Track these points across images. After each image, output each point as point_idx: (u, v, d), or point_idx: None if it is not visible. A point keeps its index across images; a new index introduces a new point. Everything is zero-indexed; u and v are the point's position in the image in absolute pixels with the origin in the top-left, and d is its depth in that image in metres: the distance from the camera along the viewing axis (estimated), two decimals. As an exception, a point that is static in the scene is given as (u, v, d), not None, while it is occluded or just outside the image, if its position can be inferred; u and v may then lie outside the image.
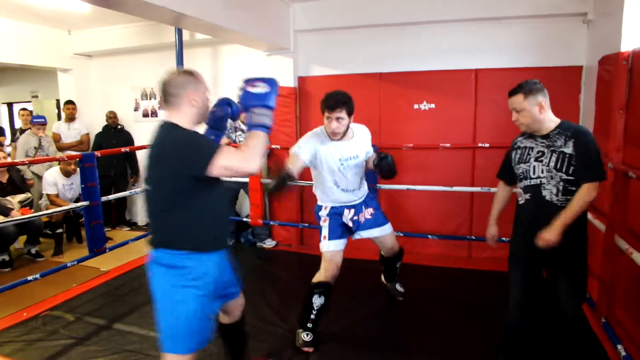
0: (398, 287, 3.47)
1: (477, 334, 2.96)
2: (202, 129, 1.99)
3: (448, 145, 4.34)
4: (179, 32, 4.75)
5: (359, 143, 2.86)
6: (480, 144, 4.30)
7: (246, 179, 4.75)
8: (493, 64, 4.29)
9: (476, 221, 4.48)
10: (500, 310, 3.24)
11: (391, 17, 4.47)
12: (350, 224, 2.94)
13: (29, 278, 3.40)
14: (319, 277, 2.80)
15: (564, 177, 2.14)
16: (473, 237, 4.37)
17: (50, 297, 3.61)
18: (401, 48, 4.59)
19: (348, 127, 2.74)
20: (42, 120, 5.47)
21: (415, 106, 4.55)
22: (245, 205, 5.34)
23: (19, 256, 4.73)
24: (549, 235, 2.09)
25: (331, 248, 2.85)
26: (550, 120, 2.28)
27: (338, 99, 2.63)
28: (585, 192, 2.07)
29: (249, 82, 1.81)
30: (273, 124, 1.82)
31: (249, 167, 1.70)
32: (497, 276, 3.94)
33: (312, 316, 2.79)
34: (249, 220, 4.86)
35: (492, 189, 4.08)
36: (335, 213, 2.92)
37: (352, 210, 2.93)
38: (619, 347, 2.61)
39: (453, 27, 4.39)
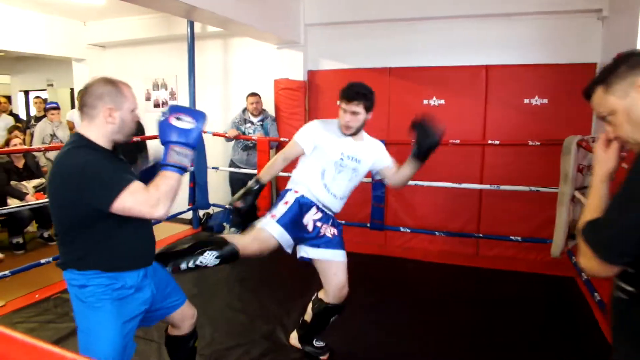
0: (317, 343, 2.70)
1: (483, 332, 2.96)
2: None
3: (457, 141, 4.32)
4: (191, 25, 4.77)
5: (367, 150, 2.52)
6: (490, 141, 4.27)
7: (254, 171, 4.77)
8: (504, 60, 4.26)
9: (484, 219, 4.45)
10: (506, 309, 3.25)
11: (402, 12, 4.45)
12: (310, 228, 2.44)
13: (42, 261, 3.50)
14: (241, 240, 2.30)
15: None
16: (480, 235, 4.35)
17: (61, 280, 3.68)
18: (411, 43, 4.57)
19: (363, 124, 2.46)
20: (55, 104, 5.58)
21: (425, 102, 4.53)
22: (253, 197, 5.37)
23: (32, 239, 4.83)
24: None
25: (271, 230, 2.35)
26: None
27: (358, 90, 2.40)
28: None
29: (175, 111, 1.58)
30: (188, 168, 1.59)
31: (154, 213, 1.49)
32: (503, 274, 3.93)
33: (186, 265, 2.13)
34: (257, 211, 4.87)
35: (502, 187, 4.07)
36: (304, 204, 2.44)
37: (320, 214, 2.47)
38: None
39: (464, 23, 4.36)
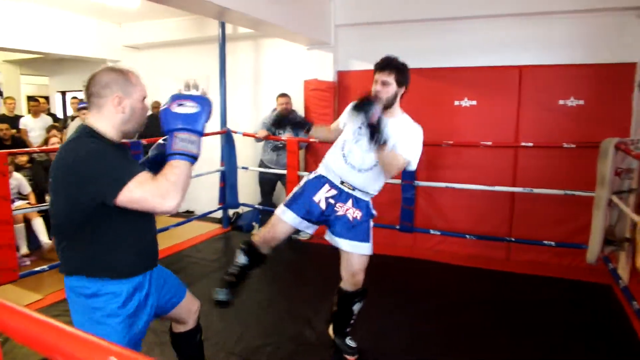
0: (349, 342, 2.66)
1: (512, 338, 2.90)
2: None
3: (489, 143, 4.25)
4: (223, 26, 4.84)
5: (394, 128, 2.28)
6: (523, 143, 4.18)
7: (284, 171, 4.81)
8: (538, 60, 4.16)
9: (516, 222, 4.36)
10: (537, 315, 3.18)
11: (433, 12, 4.41)
12: (323, 206, 2.43)
13: (78, 257, 3.60)
14: (259, 232, 2.55)
15: None
16: (512, 239, 4.27)
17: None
18: (442, 43, 4.51)
19: (394, 100, 2.38)
20: (86, 104, 5.75)
21: (456, 103, 4.47)
22: (282, 197, 5.41)
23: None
24: None
25: (280, 215, 2.46)
26: None
27: (390, 61, 2.34)
28: None
29: (176, 99, 1.48)
30: (200, 154, 1.46)
31: (163, 205, 1.36)
32: (536, 280, 3.84)
33: (234, 270, 2.47)
34: (285, 212, 4.91)
35: (535, 190, 3.98)
36: (315, 185, 2.47)
37: (333, 191, 2.43)
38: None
39: (496, 23, 4.28)
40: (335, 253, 2.98)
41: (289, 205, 2.46)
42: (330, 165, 2.45)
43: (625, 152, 3.12)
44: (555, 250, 4.14)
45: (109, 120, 1.54)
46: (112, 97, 1.52)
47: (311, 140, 4.82)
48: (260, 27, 4.37)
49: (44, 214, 4.57)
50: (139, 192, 1.36)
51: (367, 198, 2.47)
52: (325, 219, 2.45)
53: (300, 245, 4.88)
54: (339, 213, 2.42)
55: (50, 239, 4.32)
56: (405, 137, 2.32)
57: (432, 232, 4.45)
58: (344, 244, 2.41)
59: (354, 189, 2.41)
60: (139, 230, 1.62)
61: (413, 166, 2.38)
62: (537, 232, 4.15)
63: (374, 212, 2.52)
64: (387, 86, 2.33)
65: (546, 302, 3.40)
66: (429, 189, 4.58)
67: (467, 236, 4.32)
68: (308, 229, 2.52)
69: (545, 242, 4.02)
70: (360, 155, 2.36)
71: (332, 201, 2.43)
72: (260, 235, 2.49)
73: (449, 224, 4.55)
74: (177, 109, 1.45)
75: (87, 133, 1.50)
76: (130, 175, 1.38)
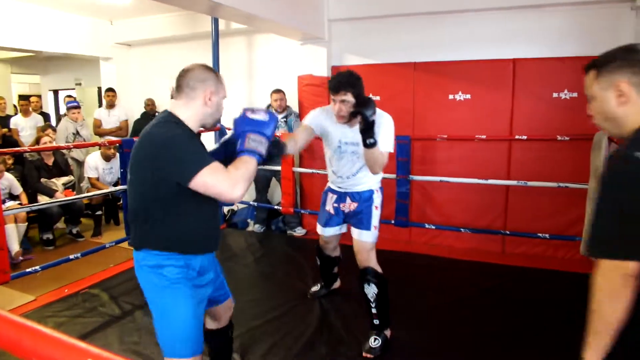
0: (372, 341, 2.66)
1: (508, 330, 2.91)
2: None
3: (484, 137, 4.25)
4: (215, 22, 4.81)
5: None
6: (517, 136, 4.19)
7: (278, 167, 4.80)
8: (532, 53, 4.16)
9: (511, 215, 4.37)
10: (532, 307, 3.19)
11: (426, 6, 4.39)
12: (332, 211, 2.86)
13: (71, 257, 3.57)
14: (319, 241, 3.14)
15: None
16: (507, 232, 4.28)
17: (90, 275, 3.76)
18: (436, 37, 4.50)
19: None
20: (76, 103, 5.71)
21: (450, 97, 4.46)
22: (276, 193, 5.40)
23: (61, 235, 4.96)
24: None
25: (318, 229, 3.00)
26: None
27: (341, 80, 2.45)
28: None
29: (249, 109, 1.72)
30: (265, 155, 1.68)
31: (232, 193, 1.53)
32: (531, 272, 3.85)
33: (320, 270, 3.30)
34: (280, 208, 4.91)
35: (529, 183, 4.00)
36: (324, 197, 2.94)
37: (335, 197, 2.84)
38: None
39: (490, 16, 4.27)
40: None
41: (318, 221, 2.99)
42: (330, 179, 2.89)
43: (617, 144, 3.12)
44: (550, 242, 4.16)
45: (195, 112, 1.70)
46: (205, 91, 1.69)
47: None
48: (253, 23, 4.35)
49: (36, 215, 4.55)
50: (213, 178, 1.52)
51: (364, 189, 2.73)
52: (343, 217, 2.87)
53: (295, 240, 4.87)
54: (345, 211, 2.81)
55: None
56: (381, 132, 2.43)
57: (427, 226, 4.46)
58: (354, 233, 2.74)
59: (348, 188, 2.77)
60: (206, 214, 1.76)
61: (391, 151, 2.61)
62: (532, 224, 4.17)
63: (376, 201, 2.73)
64: (346, 104, 2.45)
65: (541, 295, 3.41)
66: (423, 183, 4.58)
67: (462, 230, 4.33)
68: (342, 230, 2.96)
69: (540, 234, 4.04)
70: (347, 168, 2.70)
71: (335, 204, 2.85)
72: (320, 242, 3.09)
73: (444, 217, 4.55)
74: (251, 115, 1.69)
75: (173, 121, 1.66)
76: (206, 162, 1.54)
